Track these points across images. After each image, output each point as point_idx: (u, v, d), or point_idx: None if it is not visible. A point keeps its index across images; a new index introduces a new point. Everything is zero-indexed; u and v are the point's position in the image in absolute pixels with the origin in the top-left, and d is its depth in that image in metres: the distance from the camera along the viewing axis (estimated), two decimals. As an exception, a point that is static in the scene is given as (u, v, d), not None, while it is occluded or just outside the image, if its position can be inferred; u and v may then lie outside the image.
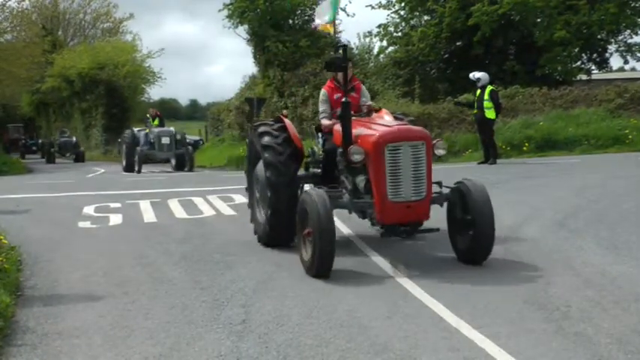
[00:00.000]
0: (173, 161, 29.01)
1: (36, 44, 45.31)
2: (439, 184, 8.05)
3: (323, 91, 9.22)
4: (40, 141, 55.79)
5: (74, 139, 45.92)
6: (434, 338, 5.35)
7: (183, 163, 28.43)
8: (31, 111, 64.54)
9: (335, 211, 7.58)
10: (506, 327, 5.52)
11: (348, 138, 7.92)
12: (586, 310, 5.90)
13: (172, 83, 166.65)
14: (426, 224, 7.79)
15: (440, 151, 7.75)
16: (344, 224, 9.97)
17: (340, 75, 8.84)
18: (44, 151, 46.43)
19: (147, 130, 29.28)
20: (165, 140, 28.25)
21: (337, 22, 34.13)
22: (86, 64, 49.59)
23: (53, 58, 52.85)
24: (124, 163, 29.39)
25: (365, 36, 35.85)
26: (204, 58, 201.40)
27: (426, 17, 33.75)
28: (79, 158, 44.10)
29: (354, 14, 56.03)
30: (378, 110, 8.81)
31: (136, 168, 27.36)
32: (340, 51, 8.57)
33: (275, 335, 5.49)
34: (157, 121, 29.89)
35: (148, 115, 31.31)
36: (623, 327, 5.44)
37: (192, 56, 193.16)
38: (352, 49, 34.81)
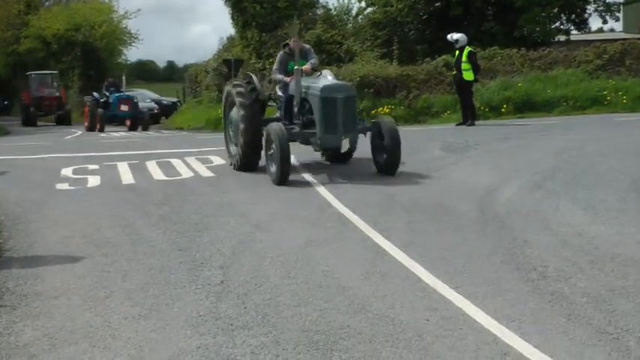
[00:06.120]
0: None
1: (9, 4, 44.45)
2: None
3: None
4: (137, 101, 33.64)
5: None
6: (411, 298, 5.39)
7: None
8: (8, 72, 63.77)
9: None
10: (483, 287, 5.57)
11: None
12: (563, 269, 5.96)
13: (154, 44, 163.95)
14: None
15: None
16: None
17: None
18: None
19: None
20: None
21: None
22: (62, 25, 49.01)
23: (29, 19, 52.19)
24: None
25: (344, -4, 35.67)
26: (187, 18, 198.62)
27: (404, -23, 33.53)
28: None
29: (332, -26, 55.59)
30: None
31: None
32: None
33: (253, 295, 5.50)
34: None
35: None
36: (600, 286, 5.51)
37: (174, 16, 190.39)
38: (330, 10, 34.61)
